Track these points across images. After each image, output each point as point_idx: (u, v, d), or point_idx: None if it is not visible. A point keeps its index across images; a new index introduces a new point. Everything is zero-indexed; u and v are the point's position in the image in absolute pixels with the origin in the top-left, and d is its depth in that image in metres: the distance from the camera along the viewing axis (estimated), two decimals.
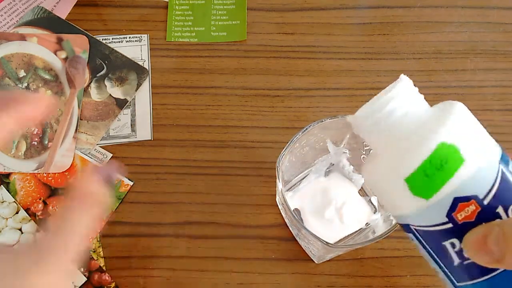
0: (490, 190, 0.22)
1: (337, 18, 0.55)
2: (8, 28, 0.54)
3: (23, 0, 0.56)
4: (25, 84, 0.51)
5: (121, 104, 0.51)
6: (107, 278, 0.44)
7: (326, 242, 0.35)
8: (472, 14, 0.56)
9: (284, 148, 0.38)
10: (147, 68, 0.53)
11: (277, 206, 0.46)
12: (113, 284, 0.44)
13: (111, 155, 0.49)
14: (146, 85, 0.52)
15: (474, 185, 0.22)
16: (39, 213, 0.46)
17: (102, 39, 0.54)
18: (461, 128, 0.22)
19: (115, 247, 0.45)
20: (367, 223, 0.43)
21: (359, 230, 0.43)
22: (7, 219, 0.46)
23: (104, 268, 0.44)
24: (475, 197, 0.22)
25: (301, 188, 0.44)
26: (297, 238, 0.45)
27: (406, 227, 0.25)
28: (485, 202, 0.22)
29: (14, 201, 0.47)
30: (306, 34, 0.54)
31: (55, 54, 0.52)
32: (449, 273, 0.24)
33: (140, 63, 0.53)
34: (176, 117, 0.50)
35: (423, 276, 0.44)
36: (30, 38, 0.53)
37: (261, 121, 0.50)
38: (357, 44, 0.54)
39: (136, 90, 0.52)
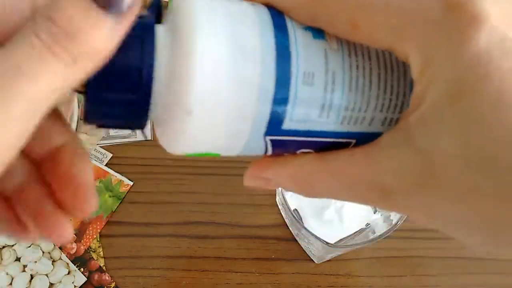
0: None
1: None
2: None
3: None
4: None
5: None
6: (107, 278, 0.44)
7: (326, 242, 0.36)
8: None
9: None
10: None
11: (277, 206, 0.46)
12: (113, 284, 0.44)
13: (111, 155, 0.49)
14: None
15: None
16: None
17: None
18: (205, 113, 0.16)
19: (115, 247, 0.45)
20: (367, 223, 0.43)
21: (359, 230, 0.43)
22: None
23: (104, 268, 0.44)
24: None
25: None
26: (297, 238, 0.45)
27: None
28: None
29: None
30: None
31: None
32: None
33: None
34: None
35: (423, 276, 0.44)
36: None
37: None
38: None
39: None
